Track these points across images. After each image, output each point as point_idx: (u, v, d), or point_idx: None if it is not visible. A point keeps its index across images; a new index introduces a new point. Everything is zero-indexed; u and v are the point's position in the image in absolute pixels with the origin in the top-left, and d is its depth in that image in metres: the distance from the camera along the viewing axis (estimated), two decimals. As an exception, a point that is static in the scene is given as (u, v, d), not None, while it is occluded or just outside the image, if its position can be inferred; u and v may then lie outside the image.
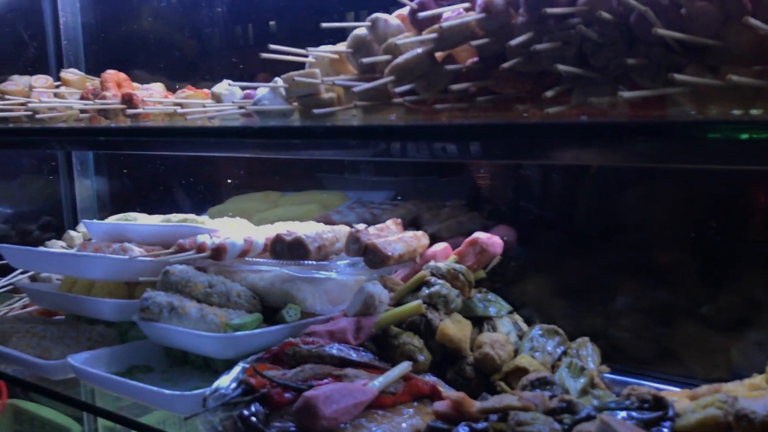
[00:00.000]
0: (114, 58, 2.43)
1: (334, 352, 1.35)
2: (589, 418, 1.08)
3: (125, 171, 2.53)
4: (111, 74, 1.85)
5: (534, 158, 1.35)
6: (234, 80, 2.23)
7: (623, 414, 1.08)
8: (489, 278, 1.62)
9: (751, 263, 1.48)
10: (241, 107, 1.46)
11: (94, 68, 2.47)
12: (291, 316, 1.50)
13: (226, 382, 1.27)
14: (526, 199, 1.73)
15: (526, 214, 1.72)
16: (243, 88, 1.62)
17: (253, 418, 1.18)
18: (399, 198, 2.01)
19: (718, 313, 1.51)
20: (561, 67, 1.01)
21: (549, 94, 1.02)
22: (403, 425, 1.18)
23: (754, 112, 0.96)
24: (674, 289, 1.57)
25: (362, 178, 2.22)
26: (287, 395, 1.22)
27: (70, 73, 2.16)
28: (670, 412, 1.08)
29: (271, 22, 2.25)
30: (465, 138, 1.01)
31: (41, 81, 2.13)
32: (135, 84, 1.94)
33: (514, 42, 1.03)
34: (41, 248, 1.93)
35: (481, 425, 1.09)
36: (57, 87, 2.13)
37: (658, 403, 1.09)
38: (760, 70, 0.96)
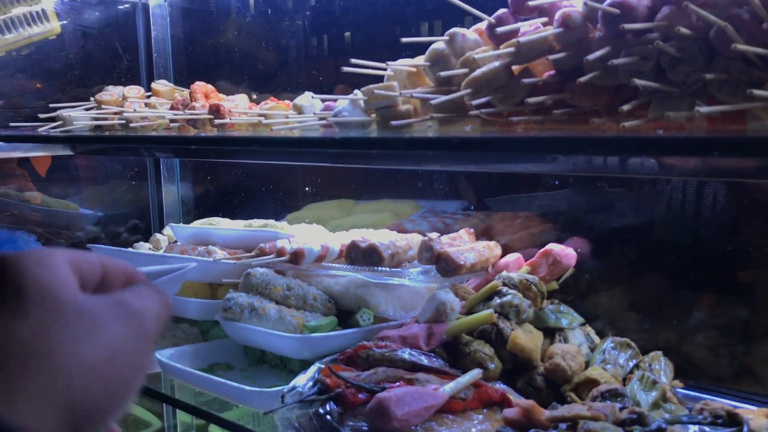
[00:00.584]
0: (200, 70, 2.55)
1: (406, 356, 1.39)
2: (660, 430, 1.08)
3: (209, 178, 2.65)
4: (199, 86, 1.95)
5: (608, 171, 1.35)
6: (313, 91, 2.31)
7: (695, 428, 1.07)
8: (562, 290, 1.63)
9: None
10: (321, 118, 1.52)
11: (181, 79, 2.61)
12: (365, 320, 1.55)
13: (302, 381, 1.33)
14: (601, 211, 1.73)
15: (601, 226, 1.71)
16: (323, 100, 1.68)
17: (328, 417, 1.23)
18: (471, 208, 2.04)
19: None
20: (638, 81, 1.02)
21: (626, 108, 1.03)
22: (473, 430, 1.21)
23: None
24: (752, 305, 1.54)
25: (435, 188, 2.26)
26: (361, 396, 1.26)
27: (160, 84, 2.28)
28: (745, 429, 1.07)
29: (347, 34, 2.32)
30: (537, 149, 1.04)
31: (134, 91, 2.26)
32: (221, 95, 2.04)
33: (591, 57, 1.05)
34: (131, 249, 2.04)
35: (550, 433, 1.11)
36: (148, 97, 2.25)
37: (732, 420, 1.08)
38: None
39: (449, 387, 1.28)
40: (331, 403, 1.26)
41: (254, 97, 2.32)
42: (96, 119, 2.11)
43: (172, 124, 1.88)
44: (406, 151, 1.22)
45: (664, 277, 1.63)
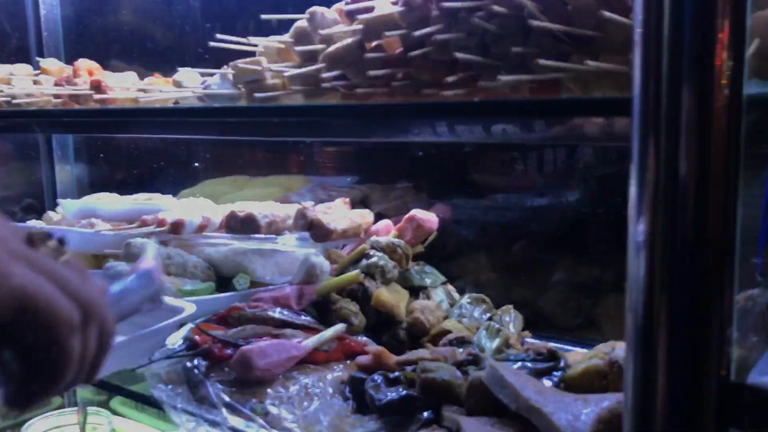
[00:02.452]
0: (92, 49, 2.55)
1: (276, 314, 1.48)
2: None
3: (101, 156, 2.66)
4: (83, 62, 1.98)
5: (458, 138, 1.47)
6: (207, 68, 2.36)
7: (518, 364, 1.21)
8: (428, 253, 1.75)
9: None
10: (195, 92, 1.58)
11: (73, 59, 2.60)
12: (241, 285, 1.63)
13: (174, 339, 1.41)
14: (467, 178, 1.86)
15: (466, 193, 1.85)
16: (202, 75, 1.74)
17: (195, 370, 1.32)
18: (358, 182, 2.14)
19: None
20: (459, 54, 1.14)
21: (450, 79, 1.15)
22: (329, 377, 1.31)
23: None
24: (599, 265, 1.70)
25: (325, 164, 2.36)
26: (228, 351, 1.35)
27: (49, 62, 2.28)
28: (562, 363, 1.21)
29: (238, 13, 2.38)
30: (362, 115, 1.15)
31: (22, 69, 2.26)
32: (106, 72, 2.06)
33: (418, 32, 1.16)
34: (25, 225, 2.05)
35: (394, 374, 1.22)
36: (36, 75, 2.25)
37: (552, 355, 1.22)
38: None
39: (312, 340, 1.38)
40: (200, 358, 1.34)
41: (151, 76, 2.35)
42: (-20, 97, 2.10)
43: (55, 100, 1.90)
44: (266, 118, 1.31)
45: (521, 239, 1.77)
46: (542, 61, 1.01)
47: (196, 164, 2.52)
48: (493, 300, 1.62)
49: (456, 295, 1.66)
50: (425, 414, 1.14)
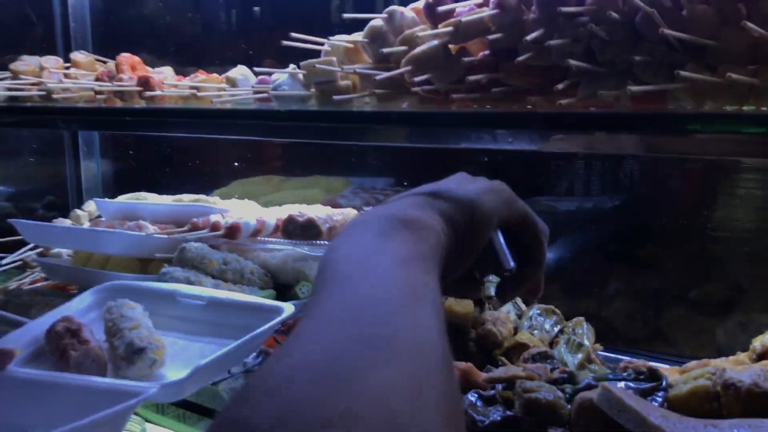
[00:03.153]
0: (121, 41, 2.47)
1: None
2: (589, 387, 1.17)
3: (130, 153, 2.58)
4: (126, 57, 1.90)
5: (544, 147, 1.43)
6: (242, 64, 2.29)
7: (621, 384, 1.17)
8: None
9: (734, 251, 1.58)
10: (258, 92, 1.52)
11: (101, 51, 2.51)
12: (304, 293, 1.57)
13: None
14: (527, 186, 1.82)
15: (529, 202, 1.80)
16: (257, 74, 1.68)
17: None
18: (405, 184, 2.09)
19: (706, 297, 1.61)
20: (572, 62, 1.09)
21: (560, 87, 1.10)
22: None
23: (746, 108, 1.05)
24: (662, 274, 1.67)
25: (363, 165, 2.30)
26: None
27: (80, 55, 2.20)
28: (664, 383, 1.17)
29: (277, 6, 2.31)
30: (485, 125, 1.09)
31: (51, 62, 2.17)
32: (147, 68, 1.99)
33: (529, 37, 1.11)
34: (58, 224, 1.98)
35: (489, 392, 1.18)
36: (67, 68, 2.17)
37: (653, 375, 1.18)
38: (753, 70, 1.05)
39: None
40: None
41: (185, 71, 2.28)
42: (11, 89, 2.02)
43: (98, 96, 1.82)
44: (348, 124, 1.25)
45: (583, 250, 1.73)
46: (683, 73, 0.96)
47: (228, 163, 2.45)
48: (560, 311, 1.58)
49: (522, 306, 1.62)
50: (528, 436, 1.10)
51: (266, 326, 1.22)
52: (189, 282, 1.52)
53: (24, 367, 1.14)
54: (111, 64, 2.01)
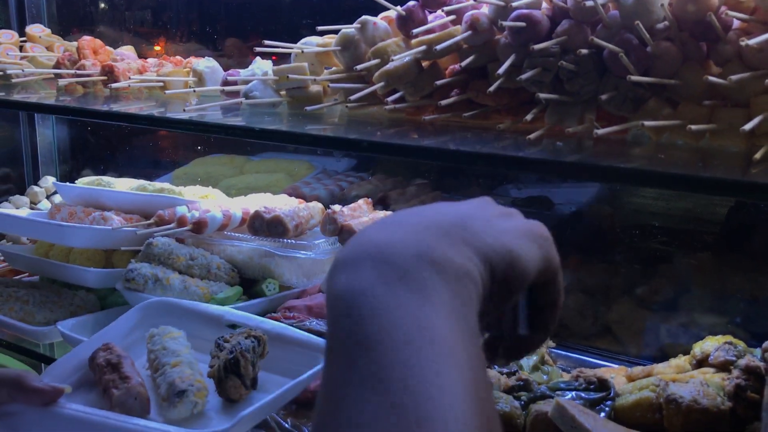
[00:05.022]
0: (79, 14, 2.40)
1: (314, 326, 1.47)
2: (543, 396, 1.25)
3: (88, 128, 2.53)
4: (87, 41, 1.86)
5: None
6: (203, 43, 2.26)
7: (572, 394, 1.25)
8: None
9: (680, 251, 1.68)
10: (227, 93, 1.53)
11: (58, 25, 2.44)
12: (270, 290, 1.61)
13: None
14: (493, 182, 1.87)
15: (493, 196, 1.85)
16: (225, 68, 1.68)
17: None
18: (362, 171, 2.12)
19: (651, 295, 1.71)
20: (542, 95, 1.13)
21: (528, 118, 1.14)
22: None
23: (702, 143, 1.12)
24: (611, 271, 1.76)
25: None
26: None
27: (36, 29, 2.14)
28: (612, 393, 1.26)
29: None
30: (454, 160, 1.13)
31: (6, 36, 2.11)
32: (108, 48, 1.95)
33: (501, 70, 1.14)
34: (21, 214, 1.95)
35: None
36: (23, 42, 2.11)
37: (602, 385, 1.27)
38: (710, 105, 1.11)
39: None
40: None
41: (144, 46, 2.24)
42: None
43: (59, 81, 1.79)
44: (316, 146, 1.27)
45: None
46: (648, 123, 1.01)
47: (188, 140, 2.43)
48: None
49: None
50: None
51: (311, 372, 1.20)
52: (156, 279, 1.54)
53: (71, 399, 1.12)
54: (71, 46, 1.97)
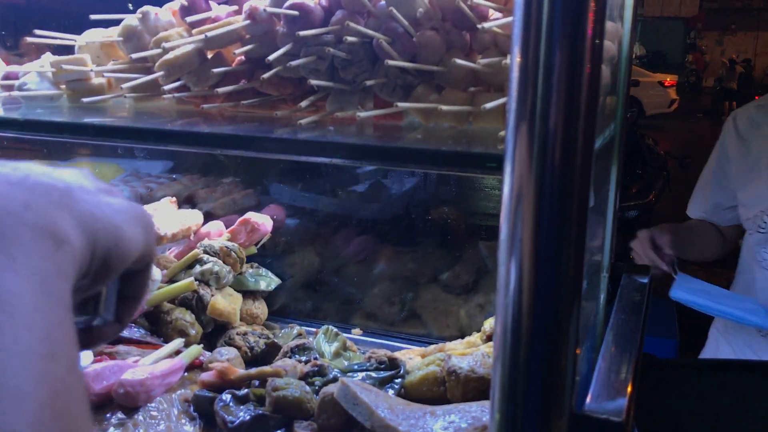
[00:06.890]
0: None
1: (106, 330, 1.41)
2: (335, 379, 1.27)
3: None
4: None
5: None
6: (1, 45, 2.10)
7: (363, 375, 1.28)
8: (260, 253, 1.76)
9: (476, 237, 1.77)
10: (4, 87, 1.43)
11: None
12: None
13: None
14: (296, 179, 1.88)
15: (296, 194, 1.87)
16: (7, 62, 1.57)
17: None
18: (178, 172, 2.06)
19: (454, 280, 1.79)
20: (314, 81, 1.15)
21: (304, 104, 1.16)
22: (172, 396, 1.29)
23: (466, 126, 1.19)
24: (418, 259, 1.83)
25: (138, 148, 2.23)
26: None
27: None
28: (401, 371, 1.30)
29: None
30: (225, 145, 1.13)
31: None
32: None
33: (272, 57, 1.15)
34: None
35: (242, 391, 1.24)
36: None
37: (393, 364, 1.31)
38: (473, 92, 1.18)
39: (150, 358, 1.34)
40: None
41: None
42: None
43: None
44: (97, 139, 1.22)
45: (348, 240, 1.84)
46: (401, 104, 1.06)
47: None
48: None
49: (289, 297, 1.69)
50: (278, 432, 1.18)
51: None
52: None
53: None
54: None
